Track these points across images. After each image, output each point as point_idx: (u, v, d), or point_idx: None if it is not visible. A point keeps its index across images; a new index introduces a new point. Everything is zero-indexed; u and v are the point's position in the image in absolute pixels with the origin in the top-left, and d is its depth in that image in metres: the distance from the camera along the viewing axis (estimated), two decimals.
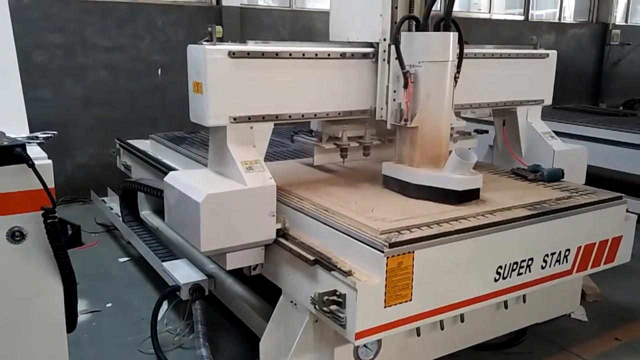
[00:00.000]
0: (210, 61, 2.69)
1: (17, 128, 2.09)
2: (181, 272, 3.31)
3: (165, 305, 3.36)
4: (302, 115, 3.05)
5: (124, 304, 3.81)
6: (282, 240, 2.71)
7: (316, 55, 2.99)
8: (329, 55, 3.03)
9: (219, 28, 2.80)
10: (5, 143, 1.81)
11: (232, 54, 2.73)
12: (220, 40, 2.80)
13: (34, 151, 1.96)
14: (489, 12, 10.21)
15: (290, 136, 4.18)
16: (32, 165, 1.83)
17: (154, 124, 6.64)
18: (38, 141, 1.92)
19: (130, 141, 5.19)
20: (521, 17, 10.64)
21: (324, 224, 2.61)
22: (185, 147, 4.42)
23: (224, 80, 2.72)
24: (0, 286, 1.93)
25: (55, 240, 1.91)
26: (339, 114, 3.14)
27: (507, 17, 10.54)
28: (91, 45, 6.38)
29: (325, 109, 3.09)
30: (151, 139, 4.98)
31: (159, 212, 4.65)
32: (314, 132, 3.85)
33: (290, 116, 2.98)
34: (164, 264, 3.49)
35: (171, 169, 4.00)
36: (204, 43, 2.75)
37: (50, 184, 1.89)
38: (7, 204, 1.86)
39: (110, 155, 5.54)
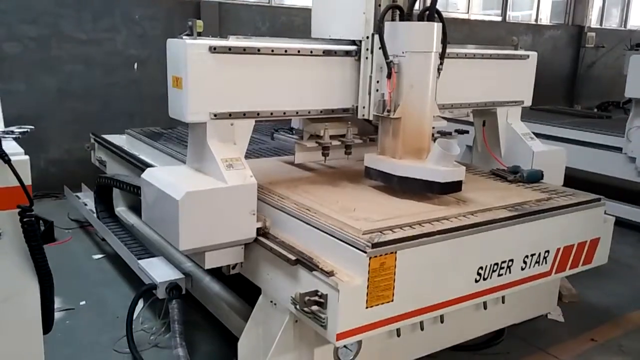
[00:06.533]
0: (190, 56, 2.63)
1: None
2: (158, 271, 3.25)
3: (140, 303, 3.28)
4: (284, 113, 3.01)
5: (99, 302, 3.72)
6: (262, 239, 2.67)
7: (298, 52, 2.95)
8: (311, 52, 2.99)
9: (199, 22, 2.75)
10: None
11: (213, 49, 2.67)
12: (200, 34, 2.74)
13: (10, 146, 1.88)
14: (467, 12, 10.30)
15: (270, 133, 4.15)
16: (8, 161, 1.75)
17: (129, 118, 6.51)
18: (14, 136, 1.84)
19: (105, 136, 5.08)
20: (498, 18, 10.75)
21: (306, 223, 2.58)
22: (162, 143, 4.34)
23: (204, 75, 2.67)
24: None
25: (32, 239, 1.84)
26: (321, 112, 3.10)
27: (485, 18, 10.65)
28: (66, 38, 6.22)
29: (307, 106, 3.05)
30: (127, 134, 4.88)
31: (135, 208, 4.57)
32: (294, 129, 3.83)
33: (271, 113, 2.94)
34: (140, 261, 3.41)
35: (148, 165, 3.92)
36: (184, 37, 2.69)
37: (27, 181, 1.82)
38: None
39: (85, 150, 5.42)
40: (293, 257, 2.43)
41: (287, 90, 2.95)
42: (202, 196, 2.53)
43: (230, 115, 2.77)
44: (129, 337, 3.06)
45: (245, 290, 3.05)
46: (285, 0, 8.05)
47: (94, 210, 4.75)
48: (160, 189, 2.66)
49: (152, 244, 3.90)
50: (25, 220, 1.81)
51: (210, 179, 2.68)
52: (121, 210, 4.64)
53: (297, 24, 7.71)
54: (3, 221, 1.83)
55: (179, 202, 2.46)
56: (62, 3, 6.18)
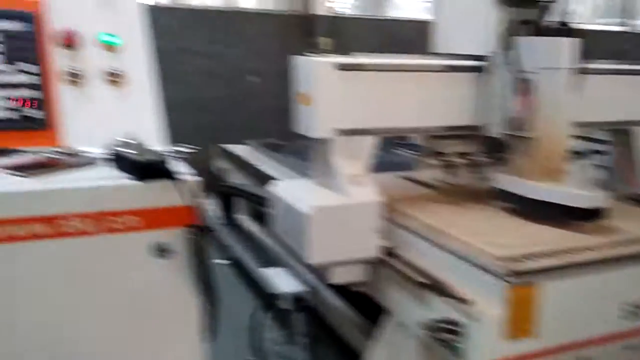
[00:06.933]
0: (318, 73, 2.68)
1: (157, 140, 2.18)
2: (282, 281, 3.33)
3: (264, 312, 3.37)
4: (408, 129, 3.00)
5: (222, 307, 3.85)
6: (388, 258, 2.66)
7: (424, 68, 2.92)
8: (436, 68, 2.94)
9: (327, 40, 2.81)
10: (154, 158, 1.87)
11: (340, 67, 2.71)
12: (325, 52, 2.80)
13: (180, 166, 2.00)
14: (586, 22, 9.61)
15: (387, 148, 4.12)
16: (180, 181, 1.87)
17: (245, 129, 6.78)
18: (183, 155, 1.97)
19: (226, 146, 5.33)
20: (621, 28, 9.93)
21: (435, 245, 2.52)
22: (282, 155, 4.47)
23: (331, 92, 2.70)
24: (144, 300, 1.98)
25: (200, 257, 1.94)
26: (446, 128, 3.04)
27: (606, 28, 9.88)
28: (189, 52, 6.64)
29: (432, 123, 3.00)
30: (247, 145, 5.09)
31: (255, 216, 4.71)
32: (414, 145, 3.78)
33: (395, 130, 2.95)
34: (264, 270, 3.52)
35: (268, 176, 4.05)
36: (311, 55, 2.75)
37: (197, 201, 1.92)
38: (154, 219, 1.91)
39: (207, 157, 5.68)
40: (423, 281, 2.39)
41: (411, 107, 2.92)
42: (330, 212, 2.58)
43: (355, 131, 2.79)
44: (254, 346, 3.14)
45: (367, 307, 3.03)
46: (394, 13, 8.03)
47: (216, 217, 4.96)
48: (289, 202, 2.73)
49: (272, 253, 4.01)
50: (194, 238, 1.91)
51: (337, 195, 2.70)
52: (241, 217, 4.83)
53: (408, 37, 7.62)
54: (173, 238, 1.94)
55: (308, 216, 2.52)
56: (186, 19, 6.61)
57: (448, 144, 3.16)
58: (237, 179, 4.84)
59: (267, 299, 3.29)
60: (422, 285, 2.39)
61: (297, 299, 3.19)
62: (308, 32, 6.78)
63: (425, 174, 3.27)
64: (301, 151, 4.46)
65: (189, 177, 1.93)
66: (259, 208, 3.45)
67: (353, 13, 7.69)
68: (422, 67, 2.91)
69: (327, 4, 7.06)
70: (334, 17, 7.10)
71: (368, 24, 7.55)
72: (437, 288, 2.32)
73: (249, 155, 4.93)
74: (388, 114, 2.85)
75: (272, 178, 3.89)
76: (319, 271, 2.92)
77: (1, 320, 1.83)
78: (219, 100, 6.82)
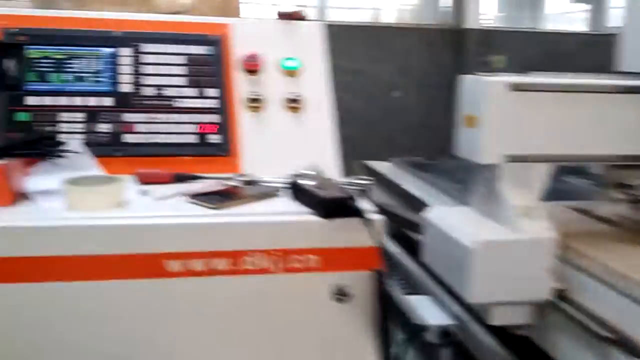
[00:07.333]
0: (490, 95, 2.48)
1: (335, 170, 2.12)
2: (428, 312, 3.14)
3: (408, 343, 3.21)
4: (588, 157, 2.68)
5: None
6: (560, 303, 2.37)
7: (610, 89, 2.58)
8: (625, 89, 2.59)
9: (499, 58, 2.64)
10: (340, 194, 1.79)
11: (514, 87, 2.48)
12: (500, 71, 2.60)
13: (363, 202, 1.91)
14: None
15: (555, 175, 3.75)
16: (367, 220, 1.76)
17: (385, 145, 6.72)
18: (362, 188, 1.89)
19: (369, 163, 5.25)
20: None
21: (617, 291, 2.19)
22: (429, 175, 4.28)
23: (502, 115, 2.49)
24: (319, 345, 1.91)
25: (382, 306, 1.84)
26: (634, 158, 2.66)
27: None
28: (336, 68, 6.71)
29: (616, 151, 2.64)
30: (391, 163, 4.97)
31: (396, 237, 4.57)
32: (587, 173, 3.41)
33: (573, 157, 2.64)
34: (409, 298, 3.36)
35: (413, 196, 3.89)
36: (481, 74, 2.56)
37: (382, 242, 1.81)
38: (336, 260, 1.81)
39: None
40: (608, 335, 2.07)
41: (593, 132, 2.60)
42: (496, 246, 2.36)
43: (526, 158, 2.54)
44: None
45: (525, 350, 2.74)
46: (549, 25, 7.46)
47: None
48: (448, 233, 2.55)
49: (416, 279, 3.83)
50: (378, 285, 1.80)
51: (503, 228, 2.47)
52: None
53: (566, 51, 7.04)
54: (354, 282, 1.83)
55: (473, 251, 2.32)
56: (336, 34, 6.69)
57: (635, 176, 2.77)
58: (379, 197, 4.72)
59: (412, 329, 3.11)
60: (605, 339, 2.07)
61: (445, 332, 2.98)
62: (459, 46, 6.54)
63: (604, 208, 2.90)
64: (451, 172, 4.24)
65: (374, 216, 1.80)
66: (408, 232, 3.30)
67: (498, 25, 7.28)
68: (609, 89, 2.59)
69: (481, 18, 6.75)
70: (487, 31, 6.78)
71: (523, 38, 7.09)
72: (627, 346, 2.00)
73: (392, 173, 4.80)
74: (565, 140, 2.57)
75: (418, 199, 3.74)
76: (473, 307, 2.69)
77: (177, 353, 1.83)
78: (361, 115, 6.82)
